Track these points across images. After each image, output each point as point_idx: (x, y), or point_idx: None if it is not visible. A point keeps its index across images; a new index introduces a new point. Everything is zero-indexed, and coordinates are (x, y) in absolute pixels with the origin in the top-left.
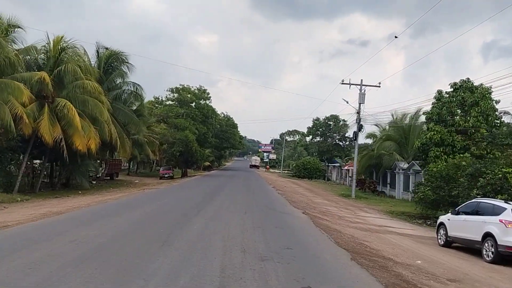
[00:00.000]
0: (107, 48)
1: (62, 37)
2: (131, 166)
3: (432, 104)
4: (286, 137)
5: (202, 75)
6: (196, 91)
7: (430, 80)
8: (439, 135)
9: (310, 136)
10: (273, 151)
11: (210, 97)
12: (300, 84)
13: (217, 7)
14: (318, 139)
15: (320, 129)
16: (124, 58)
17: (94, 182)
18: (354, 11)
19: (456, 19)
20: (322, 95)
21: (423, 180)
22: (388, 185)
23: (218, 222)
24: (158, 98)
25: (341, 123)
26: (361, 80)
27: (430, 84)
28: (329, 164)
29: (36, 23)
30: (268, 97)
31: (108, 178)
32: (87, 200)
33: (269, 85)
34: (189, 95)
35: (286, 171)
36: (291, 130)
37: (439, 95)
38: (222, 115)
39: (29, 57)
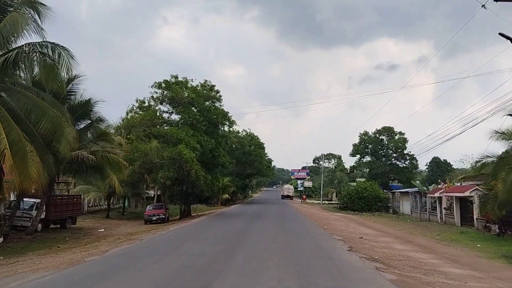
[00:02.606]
0: None
1: None
2: (112, 205)
3: None
4: (321, 162)
5: (230, 108)
6: (199, 88)
7: (461, 101)
8: None
9: (358, 156)
10: (308, 177)
11: (220, 97)
12: (330, 111)
13: (243, 40)
14: (368, 158)
15: (370, 146)
16: None
17: (0, 240)
18: (381, 36)
19: (487, 38)
20: (352, 122)
21: None
22: None
23: None
24: (144, 102)
25: (397, 136)
26: None
27: (461, 105)
28: (395, 191)
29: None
30: (298, 126)
31: (58, 226)
32: None
33: (298, 114)
34: (186, 93)
35: (327, 201)
36: (325, 153)
37: None
38: (244, 133)
39: None
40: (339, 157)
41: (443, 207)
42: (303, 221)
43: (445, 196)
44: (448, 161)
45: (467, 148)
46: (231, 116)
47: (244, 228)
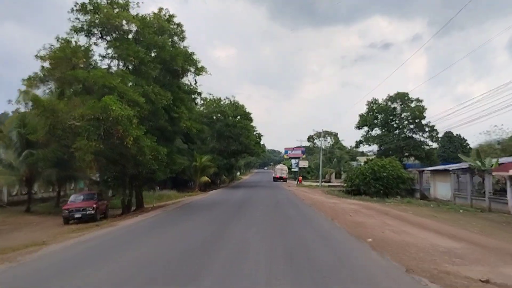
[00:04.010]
0: None
1: None
2: (35, 193)
3: None
4: (316, 141)
5: (222, 89)
6: (150, 18)
7: (454, 80)
8: None
9: (365, 128)
10: (303, 156)
11: (183, 32)
12: (323, 92)
13: (234, 20)
14: (378, 131)
15: (380, 116)
16: None
17: None
18: (373, 15)
19: (481, 15)
20: (346, 101)
21: None
22: None
23: None
24: (69, 42)
25: (413, 103)
26: None
27: (454, 84)
28: (424, 169)
29: None
30: (290, 108)
31: None
32: None
33: (290, 95)
34: (124, 20)
35: (326, 183)
36: (321, 131)
37: None
38: (227, 101)
39: None
40: (336, 135)
41: None
42: (313, 217)
43: None
44: (462, 136)
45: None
46: (199, 61)
47: (201, 249)
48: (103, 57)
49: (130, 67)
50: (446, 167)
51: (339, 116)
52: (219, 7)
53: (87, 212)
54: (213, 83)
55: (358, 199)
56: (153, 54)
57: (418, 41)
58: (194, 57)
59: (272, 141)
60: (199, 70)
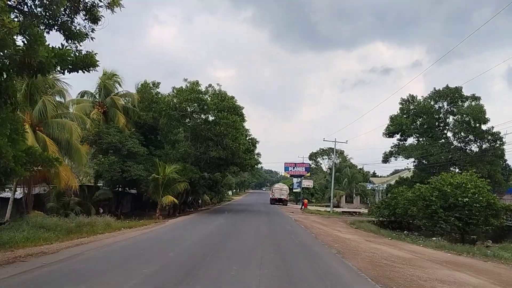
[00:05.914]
0: None
1: None
2: None
3: None
4: (319, 160)
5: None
6: None
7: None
8: None
9: (397, 135)
10: (307, 173)
11: None
12: (321, 115)
13: (235, 41)
14: (414, 140)
15: (420, 119)
16: None
17: None
18: (374, 40)
19: (480, 43)
20: (345, 125)
21: None
22: None
23: None
24: None
25: (467, 103)
26: None
27: None
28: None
29: None
30: (288, 129)
31: None
32: None
33: (288, 116)
34: None
35: (337, 209)
36: (325, 148)
37: None
38: (210, 89)
39: None
40: (342, 152)
41: None
42: None
43: None
44: None
45: None
46: None
47: None
48: None
49: None
50: None
51: (337, 138)
52: (222, 28)
53: None
54: None
55: (424, 243)
56: None
57: (418, 67)
58: None
59: (269, 162)
60: None
